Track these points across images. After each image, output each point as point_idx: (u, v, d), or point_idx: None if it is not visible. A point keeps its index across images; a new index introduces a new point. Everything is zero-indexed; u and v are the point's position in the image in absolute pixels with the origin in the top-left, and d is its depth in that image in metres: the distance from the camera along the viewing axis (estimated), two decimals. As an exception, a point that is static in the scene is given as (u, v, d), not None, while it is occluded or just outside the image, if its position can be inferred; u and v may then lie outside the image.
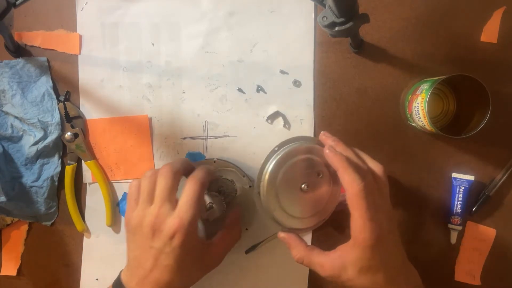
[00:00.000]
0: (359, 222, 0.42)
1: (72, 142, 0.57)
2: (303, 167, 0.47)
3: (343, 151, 0.46)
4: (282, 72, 0.58)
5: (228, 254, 0.54)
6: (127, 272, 0.47)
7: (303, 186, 0.47)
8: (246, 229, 0.54)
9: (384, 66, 0.57)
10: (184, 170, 0.48)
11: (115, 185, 0.59)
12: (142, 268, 0.45)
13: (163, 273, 0.44)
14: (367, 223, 0.42)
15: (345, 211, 0.55)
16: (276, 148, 0.48)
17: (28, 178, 0.57)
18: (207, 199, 0.52)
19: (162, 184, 0.45)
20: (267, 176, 0.46)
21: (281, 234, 0.49)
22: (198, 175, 0.46)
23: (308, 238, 0.58)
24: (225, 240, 0.51)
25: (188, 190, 0.45)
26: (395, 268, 0.44)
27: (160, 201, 0.45)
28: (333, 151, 0.46)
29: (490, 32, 0.56)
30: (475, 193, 0.56)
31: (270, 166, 0.46)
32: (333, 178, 0.49)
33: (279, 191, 0.47)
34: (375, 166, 0.47)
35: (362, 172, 0.44)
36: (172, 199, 0.45)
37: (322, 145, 0.48)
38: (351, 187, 0.43)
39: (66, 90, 0.58)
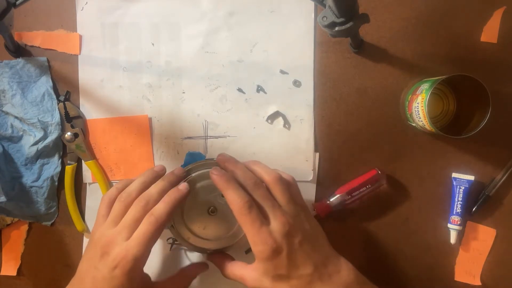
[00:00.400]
0: (249, 237, 0.45)
1: (72, 142, 0.58)
2: (206, 192, 0.50)
3: (233, 168, 0.48)
4: (282, 72, 0.58)
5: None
6: (69, 286, 0.47)
7: (210, 209, 0.51)
8: None
9: (384, 66, 0.57)
10: (158, 200, 0.47)
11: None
12: (82, 284, 0.45)
13: None
14: (255, 237, 0.44)
15: (344, 210, 0.55)
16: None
17: (28, 178, 0.57)
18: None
19: (131, 213, 0.46)
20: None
21: (207, 259, 0.52)
22: (157, 212, 0.46)
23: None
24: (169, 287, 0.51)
25: (143, 227, 0.45)
26: (309, 275, 0.44)
27: (121, 227, 0.45)
28: (217, 172, 0.47)
29: (490, 32, 0.56)
30: (475, 193, 0.56)
31: None
32: None
33: (188, 219, 0.50)
34: (267, 174, 0.48)
35: (249, 186, 0.46)
36: (132, 229, 0.45)
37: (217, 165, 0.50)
38: (233, 205, 0.45)
39: (66, 90, 0.58)
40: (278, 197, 0.47)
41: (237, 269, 0.48)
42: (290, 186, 0.48)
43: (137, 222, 0.45)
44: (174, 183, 0.49)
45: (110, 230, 0.46)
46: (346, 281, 0.45)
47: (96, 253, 0.45)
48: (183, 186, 0.49)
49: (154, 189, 0.48)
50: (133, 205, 0.46)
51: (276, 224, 0.44)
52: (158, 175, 0.50)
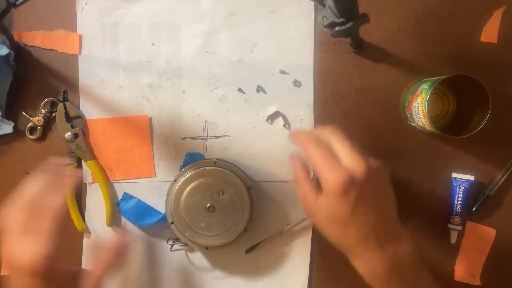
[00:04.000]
0: (319, 170, 0.43)
1: (72, 142, 0.57)
2: (205, 189, 0.53)
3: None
4: (282, 72, 0.58)
5: (228, 254, 0.55)
6: None
7: (208, 206, 0.53)
8: (246, 230, 0.54)
9: (384, 66, 0.57)
10: (41, 194, 0.44)
11: (115, 185, 0.59)
12: None
13: None
14: (327, 170, 0.42)
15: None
16: (174, 180, 0.55)
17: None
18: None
19: (18, 218, 0.43)
20: (172, 205, 0.54)
21: (292, 156, 0.49)
22: (51, 205, 0.44)
23: (307, 238, 0.58)
24: (84, 283, 0.46)
25: (41, 224, 0.43)
26: (368, 229, 0.42)
27: (15, 237, 0.43)
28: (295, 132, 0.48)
29: (490, 32, 0.56)
30: (475, 193, 0.56)
31: (172, 197, 0.54)
32: (240, 191, 0.53)
33: (187, 216, 0.53)
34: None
35: (326, 133, 0.46)
36: (28, 232, 0.43)
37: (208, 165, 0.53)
38: (303, 144, 0.44)
39: (63, 89, 0.58)
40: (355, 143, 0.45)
41: (306, 188, 0.46)
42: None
43: (29, 222, 0.43)
44: (56, 172, 0.47)
45: (8, 245, 0.43)
46: (400, 254, 0.43)
47: (7, 271, 0.43)
48: (69, 170, 0.47)
49: (34, 186, 0.45)
50: (18, 208, 0.44)
51: (352, 163, 0.42)
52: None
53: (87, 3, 0.58)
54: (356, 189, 0.41)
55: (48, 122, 0.59)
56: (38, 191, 0.45)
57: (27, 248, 0.42)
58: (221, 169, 0.54)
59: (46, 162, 0.48)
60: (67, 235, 0.59)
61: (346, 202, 0.42)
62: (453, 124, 0.57)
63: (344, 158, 0.43)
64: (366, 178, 0.42)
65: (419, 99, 0.51)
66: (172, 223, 0.54)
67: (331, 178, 0.41)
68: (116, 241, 0.49)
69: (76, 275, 0.47)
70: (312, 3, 0.57)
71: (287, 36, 0.58)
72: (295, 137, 0.47)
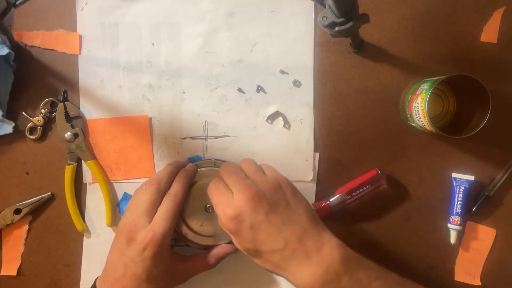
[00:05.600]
0: (215, 209, 0.46)
1: (72, 142, 0.57)
2: (203, 190, 0.52)
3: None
4: (282, 72, 0.58)
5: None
6: (101, 277, 0.50)
7: (207, 207, 0.53)
8: None
9: (384, 66, 0.57)
10: (169, 181, 0.51)
11: (115, 185, 0.59)
12: (114, 273, 0.48)
13: (131, 280, 0.47)
14: (218, 207, 0.45)
15: (344, 210, 0.55)
16: None
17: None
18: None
19: (146, 197, 0.49)
20: None
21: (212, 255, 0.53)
22: (174, 191, 0.50)
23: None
24: (198, 263, 0.52)
25: (163, 206, 0.49)
26: (279, 251, 0.42)
27: (140, 212, 0.48)
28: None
29: (490, 32, 0.56)
30: (475, 193, 0.56)
31: None
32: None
33: (187, 216, 0.53)
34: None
35: (220, 170, 0.49)
36: (151, 212, 0.48)
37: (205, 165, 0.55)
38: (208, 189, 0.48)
39: (63, 89, 0.58)
40: (246, 169, 0.48)
41: (220, 249, 0.52)
42: (262, 164, 0.50)
43: (154, 204, 0.49)
44: (180, 167, 0.54)
45: (131, 217, 0.48)
46: (328, 259, 0.41)
47: (122, 242, 0.48)
48: (189, 166, 0.54)
49: (162, 172, 0.52)
50: (146, 189, 0.50)
51: (238, 194, 0.44)
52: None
53: (87, 3, 0.58)
54: (247, 219, 0.43)
55: (48, 122, 0.59)
56: (161, 177, 0.51)
57: (148, 225, 0.47)
58: None
59: (172, 162, 0.55)
60: (67, 235, 0.59)
61: (243, 235, 0.43)
62: (453, 124, 0.57)
63: (234, 191, 0.45)
64: (254, 202, 0.43)
65: (419, 99, 0.51)
66: None
67: (224, 217, 0.44)
68: (222, 249, 0.53)
69: (184, 260, 0.51)
70: (312, 3, 0.57)
71: (287, 36, 0.58)
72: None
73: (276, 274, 0.45)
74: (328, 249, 0.42)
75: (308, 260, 0.41)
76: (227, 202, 0.44)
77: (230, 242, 0.54)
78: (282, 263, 0.42)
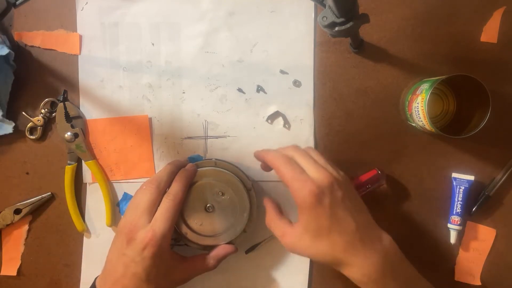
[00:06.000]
0: (290, 185, 0.45)
1: (72, 142, 0.57)
2: (205, 190, 0.53)
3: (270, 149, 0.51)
4: (282, 72, 0.58)
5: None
6: (101, 276, 0.50)
7: (207, 206, 0.53)
8: (245, 230, 0.54)
9: (384, 66, 0.57)
10: (169, 181, 0.51)
11: (115, 185, 0.59)
12: (114, 273, 0.48)
13: (131, 280, 0.47)
14: (297, 183, 0.44)
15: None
16: None
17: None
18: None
19: (146, 196, 0.49)
20: None
21: (265, 199, 0.52)
22: (173, 190, 0.50)
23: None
24: (198, 264, 0.52)
25: (163, 205, 0.49)
26: (351, 232, 0.44)
27: (140, 212, 0.48)
28: (258, 151, 0.52)
29: (490, 32, 0.56)
30: (475, 193, 0.56)
31: None
32: (239, 192, 0.53)
33: (187, 215, 0.53)
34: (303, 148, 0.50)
35: (289, 151, 0.48)
36: (151, 211, 0.49)
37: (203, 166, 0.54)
38: (272, 162, 0.47)
39: (63, 89, 0.58)
40: (316, 157, 0.48)
41: (280, 225, 0.48)
42: (323, 155, 0.49)
43: (154, 203, 0.49)
44: (180, 166, 0.53)
45: (131, 217, 0.49)
46: (387, 250, 0.44)
47: (122, 241, 0.48)
48: (189, 165, 0.53)
49: (162, 172, 0.52)
50: (146, 188, 0.50)
51: (318, 175, 0.45)
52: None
53: (87, 3, 0.58)
54: (327, 196, 0.44)
55: (48, 122, 0.59)
56: (161, 176, 0.51)
57: (148, 224, 0.47)
58: (221, 169, 0.54)
59: (172, 161, 0.55)
60: (67, 235, 0.59)
61: (322, 210, 0.44)
62: (453, 124, 0.57)
63: (309, 171, 0.45)
64: (333, 186, 0.44)
65: (419, 99, 0.51)
66: None
67: (303, 190, 0.44)
68: (222, 250, 0.53)
69: (184, 261, 0.51)
70: (312, 3, 0.57)
71: (287, 36, 0.58)
72: (262, 157, 0.50)
73: (335, 263, 0.45)
74: (388, 240, 0.45)
75: (372, 246, 0.44)
76: (307, 178, 0.44)
77: (230, 242, 0.54)
78: (350, 247, 0.43)
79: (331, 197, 0.44)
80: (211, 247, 0.53)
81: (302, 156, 0.47)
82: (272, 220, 0.49)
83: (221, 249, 0.53)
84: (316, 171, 0.45)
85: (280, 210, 0.51)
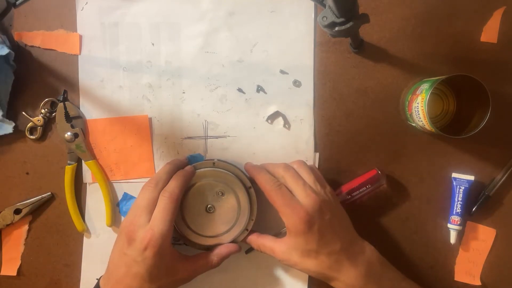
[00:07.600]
0: (281, 211, 0.48)
1: (72, 142, 0.57)
2: (205, 190, 0.53)
3: (261, 165, 0.54)
4: (282, 72, 0.58)
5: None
6: (105, 276, 0.50)
7: (208, 207, 0.53)
8: (246, 230, 0.54)
9: (384, 66, 0.57)
10: (167, 180, 0.51)
11: (115, 185, 0.59)
12: (116, 272, 0.48)
13: (133, 280, 0.47)
14: (288, 209, 0.47)
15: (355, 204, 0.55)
16: None
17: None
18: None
19: (144, 196, 0.50)
20: None
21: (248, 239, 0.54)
22: (170, 187, 0.50)
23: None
24: (200, 262, 0.52)
25: (160, 203, 0.49)
26: (337, 252, 0.48)
27: (139, 211, 0.49)
28: (250, 163, 0.55)
29: (490, 32, 0.56)
30: (475, 193, 0.56)
31: None
32: (239, 192, 0.53)
33: (187, 216, 0.53)
34: (292, 163, 0.53)
35: (279, 171, 0.51)
36: (150, 210, 0.49)
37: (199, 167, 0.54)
38: (264, 185, 0.50)
39: (63, 89, 0.58)
40: (306, 177, 0.50)
41: (267, 241, 0.52)
42: (313, 170, 0.52)
43: (152, 202, 0.49)
44: (179, 165, 0.54)
45: (131, 216, 0.49)
46: (369, 260, 0.49)
47: (124, 241, 0.48)
48: (188, 167, 0.53)
49: (161, 171, 0.52)
50: (144, 188, 0.50)
51: (307, 200, 0.48)
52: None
53: (87, 3, 0.58)
54: (317, 221, 0.47)
55: (48, 122, 0.59)
56: (159, 175, 0.51)
57: (147, 223, 0.48)
58: (221, 170, 0.54)
59: (176, 159, 0.57)
60: (67, 235, 0.59)
61: (311, 235, 0.47)
62: (453, 124, 0.57)
63: (299, 196, 0.49)
64: (322, 209, 0.48)
65: (419, 99, 0.51)
66: None
67: (294, 217, 0.47)
68: (225, 249, 0.54)
69: (186, 259, 0.51)
70: (312, 3, 0.57)
71: (287, 36, 0.58)
72: (251, 175, 0.53)
73: (322, 277, 0.49)
74: (369, 252, 0.49)
75: (356, 260, 0.48)
76: (296, 205, 0.48)
77: (233, 242, 0.54)
78: (335, 264, 0.48)
79: (320, 221, 0.47)
80: (212, 247, 0.53)
81: (292, 178, 0.50)
82: (262, 243, 0.52)
83: (224, 248, 0.53)
84: (305, 196, 0.48)
85: (259, 233, 0.54)
